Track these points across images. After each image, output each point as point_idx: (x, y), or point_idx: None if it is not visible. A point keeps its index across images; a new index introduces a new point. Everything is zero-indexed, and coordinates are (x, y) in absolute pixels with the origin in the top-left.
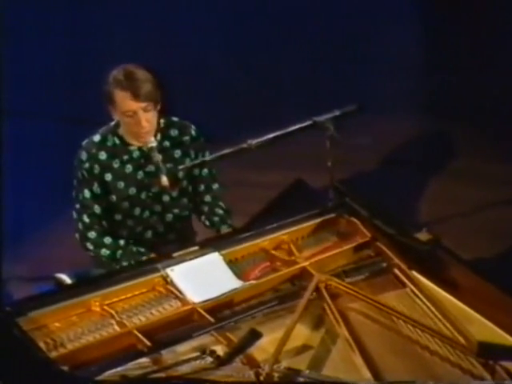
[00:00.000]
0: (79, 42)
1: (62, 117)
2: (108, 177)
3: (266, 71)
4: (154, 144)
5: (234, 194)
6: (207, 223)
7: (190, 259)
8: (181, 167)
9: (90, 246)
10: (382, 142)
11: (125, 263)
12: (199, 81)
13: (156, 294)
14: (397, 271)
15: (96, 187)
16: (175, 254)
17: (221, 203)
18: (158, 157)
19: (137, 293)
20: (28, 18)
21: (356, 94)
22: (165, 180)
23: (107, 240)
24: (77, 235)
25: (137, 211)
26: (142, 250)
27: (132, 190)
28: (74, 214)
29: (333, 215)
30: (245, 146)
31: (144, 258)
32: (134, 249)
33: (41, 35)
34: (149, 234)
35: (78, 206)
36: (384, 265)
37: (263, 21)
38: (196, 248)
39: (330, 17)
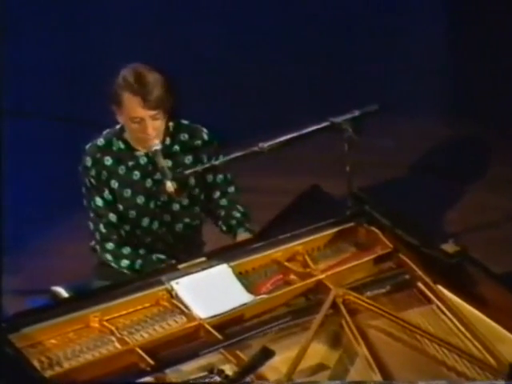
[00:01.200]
0: (80, 40)
1: (62, 117)
2: (114, 184)
3: (280, 70)
4: (158, 147)
5: (245, 201)
6: (224, 228)
7: (197, 271)
8: (188, 171)
9: (109, 257)
10: (405, 145)
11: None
12: (208, 81)
13: (160, 308)
14: (421, 285)
15: (107, 194)
16: (181, 266)
17: (238, 206)
18: (163, 161)
19: (139, 307)
20: (27, 18)
21: (377, 93)
22: (170, 186)
23: (126, 250)
24: (97, 246)
25: (145, 221)
26: (163, 257)
27: (140, 199)
28: (90, 225)
29: (351, 224)
30: (256, 149)
31: (162, 266)
32: (154, 257)
33: (40, 34)
34: (158, 245)
35: (92, 215)
36: (407, 278)
37: (277, 19)
38: (203, 259)
39: (349, 13)
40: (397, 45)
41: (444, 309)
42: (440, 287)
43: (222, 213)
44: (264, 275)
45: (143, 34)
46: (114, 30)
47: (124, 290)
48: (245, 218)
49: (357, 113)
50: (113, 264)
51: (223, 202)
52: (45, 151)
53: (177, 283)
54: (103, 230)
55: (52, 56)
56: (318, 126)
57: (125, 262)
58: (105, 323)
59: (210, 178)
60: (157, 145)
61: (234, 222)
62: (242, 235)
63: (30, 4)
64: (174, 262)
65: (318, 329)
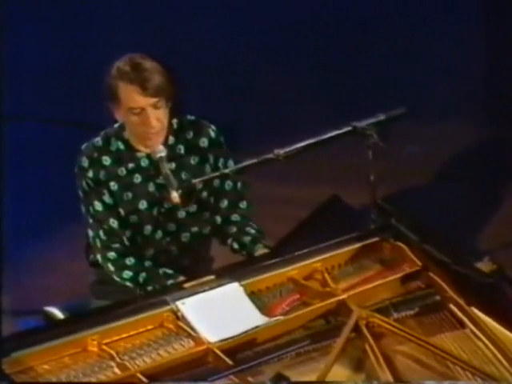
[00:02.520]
0: (80, 42)
1: (62, 120)
2: (114, 186)
3: (296, 70)
4: (163, 153)
5: (258, 213)
6: (235, 246)
7: (205, 291)
8: (195, 180)
9: (111, 267)
10: (434, 152)
11: (150, 287)
12: (218, 82)
13: (164, 331)
14: (453, 307)
15: (107, 197)
16: (187, 285)
17: (251, 223)
18: (167, 168)
19: (142, 330)
20: (26, 20)
21: (404, 97)
22: (175, 196)
23: (129, 261)
24: (98, 256)
25: (147, 229)
26: (170, 272)
27: (142, 204)
28: (89, 232)
29: (375, 239)
30: (271, 156)
31: (170, 283)
32: (161, 271)
33: (39, 37)
34: (161, 257)
35: (91, 221)
36: (437, 299)
37: (294, 16)
38: (212, 277)
39: (372, 12)
40: (423, 46)
41: (479, 333)
42: (474, 309)
43: (234, 229)
44: (279, 295)
45: (145, 35)
46: (114, 30)
47: (125, 310)
48: (260, 235)
49: (382, 117)
50: (114, 276)
51: (235, 217)
52: (42, 157)
53: (183, 303)
54: (103, 237)
55: (51, 58)
56: (340, 132)
57: (127, 274)
58: (104, 347)
59: (217, 182)
60: (162, 151)
61: (248, 238)
62: (261, 252)
63: (29, 5)
64: (182, 278)
65: (339, 354)
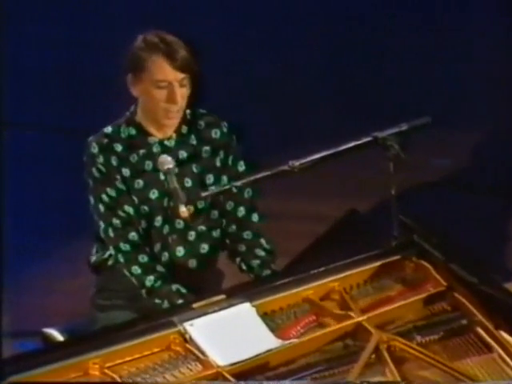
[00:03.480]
0: (80, 52)
1: (62, 128)
2: (126, 172)
3: (313, 75)
4: (170, 165)
5: (272, 229)
6: (243, 267)
7: (214, 311)
8: (204, 194)
9: (122, 258)
10: (462, 164)
11: (157, 301)
12: (227, 88)
13: (171, 354)
14: (480, 331)
15: (120, 182)
16: (195, 305)
17: (262, 241)
18: (176, 182)
19: (147, 353)
20: (26, 29)
21: (429, 104)
22: (184, 211)
23: (142, 258)
24: (110, 247)
25: (158, 221)
26: (183, 291)
27: (153, 193)
28: (101, 223)
29: (397, 257)
30: (286, 167)
31: (180, 302)
32: (174, 287)
33: (40, 43)
34: (165, 255)
35: (102, 209)
36: (464, 322)
37: (310, 23)
38: (222, 297)
39: (397, 14)
40: (452, 51)
41: (507, 358)
42: (503, 333)
43: (243, 248)
44: (293, 316)
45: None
46: (116, 35)
47: (129, 332)
48: (270, 257)
49: (404, 126)
50: (124, 269)
51: (246, 234)
52: (41, 169)
53: (191, 325)
54: (118, 226)
55: (51, 65)
56: (359, 142)
57: (136, 270)
58: (106, 371)
59: (224, 179)
60: (169, 162)
61: (256, 261)
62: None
63: (31, 16)
64: (192, 297)
65: (358, 379)
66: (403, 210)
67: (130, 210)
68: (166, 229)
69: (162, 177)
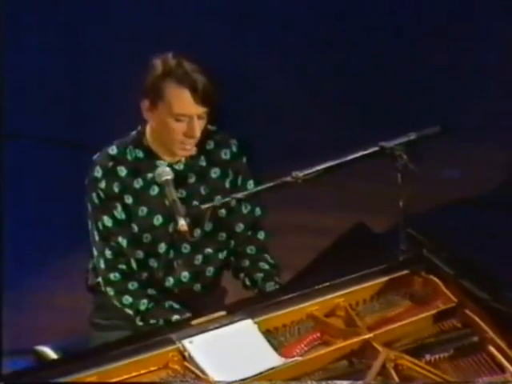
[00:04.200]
0: (84, 63)
1: (64, 142)
2: (128, 199)
3: (317, 82)
4: (169, 177)
5: (276, 243)
6: (247, 282)
7: (215, 328)
8: (204, 206)
9: (110, 291)
10: (473, 176)
11: (152, 321)
12: (230, 98)
13: (169, 372)
14: (492, 349)
15: (119, 211)
16: (195, 322)
17: (267, 255)
18: (175, 194)
19: (144, 371)
20: (28, 39)
21: (439, 113)
22: (183, 224)
23: (132, 285)
24: (99, 278)
25: (161, 248)
26: (176, 306)
27: (157, 219)
28: (94, 251)
29: (405, 272)
30: (289, 179)
31: (175, 318)
32: (167, 304)
33: (42, 55)
34: (170, 281)
35: (97, 237)
36: (475, 340)
37: (322, 30)
38: (222, 313)
39: (408, 20)
40: (464, 59)
41: None
42: None
43: (247, 263)
44: (297, 333)
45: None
46: (117, 45)
47: (126, 350)
48: (275, 270)
49: (413, 136)
50: (114, 300)
51: (250, 249)
52: (40, 181)
53: (190, 342)
54: (110, 257)
55: (55, 76)
56: (365, 152)
57: (127, 299)
58: None
59: (232, 202)
60: (168, 174)
61: (260, 275)
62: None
63: (32, 23)
64: (188, 315)
65: None
66: (411, 223)
67: (123, 241)
68: (171, 254)
69: (167, 202)
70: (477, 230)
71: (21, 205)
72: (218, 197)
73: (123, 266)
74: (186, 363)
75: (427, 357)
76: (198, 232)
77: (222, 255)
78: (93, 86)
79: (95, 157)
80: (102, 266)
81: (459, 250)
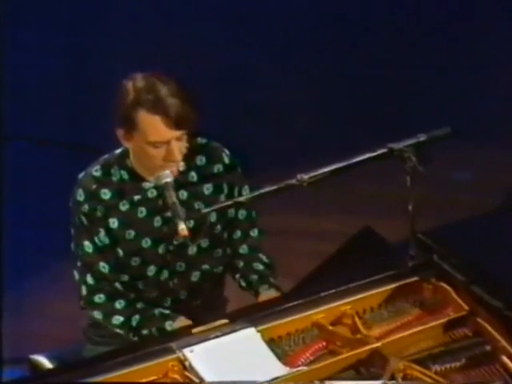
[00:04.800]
0: (84, 63)
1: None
2: (113, 223)
3: (322, 82)
4: (169, 179)
5: (278, 247)
6: (243, 283)
7: (217, 337)
8: (206, 210)
9: (98, 315)
10: (486, 179)
11: (144, 332)
12: (230, 98)
13: (169, 382)
14: (505, 359)
15: (102, 237)
16: (195, 330)
17: (260, 255)
18: (175, 197)
19: (143, 381)
20: (28, 39)
21: (450, 114)
22: (183, 228)
23: (119, 304)
24: (81, 302)
25: (151, 270)
26: (167, 312)
27: (146, 242)
28: (76, 275)
29: (415, 279)
30: (294, 182)
31: (168, 324)
32: (157, 312)
33: (42, 55)
34: (167, 301)
35: (78, 262)
36: (487, 349)
37: (327, 30)
38: (224, 321)
39: (415, 19)
40: (476, 57)
41: None
42: None
43: (241, 264)
44: (302, 342)
45: (150, 46)
46: (119, 48)
47: (124, 359)
48: (269, 271)
49: (423, 137)
50: (104, 323)
51: (243, 249)
52: (40, 184)
53: (191, 351)
54: (91, 282)
55: (53, 75)
56: (373, 154)
57: (118, 319)
58: None
59: (231, 212)
60: (167, 176)
61: (254, 276)
62: (266, 294)
63: (32, 25)
64: (182, 318)
65: None
66: (421, 228)
67: (105, 268)
68: (165, 274)
69: (156, 223)
70: (489, 234)
71: (20, 206)
72: (221, 198)
73: (107, 288)
74: (186, 373)
75: (437, 367)
76: (199, 237)
77: (218, 269)
78: (93, 87)
79: (79, 177)
80: (84, 291)
81: (470, 255)
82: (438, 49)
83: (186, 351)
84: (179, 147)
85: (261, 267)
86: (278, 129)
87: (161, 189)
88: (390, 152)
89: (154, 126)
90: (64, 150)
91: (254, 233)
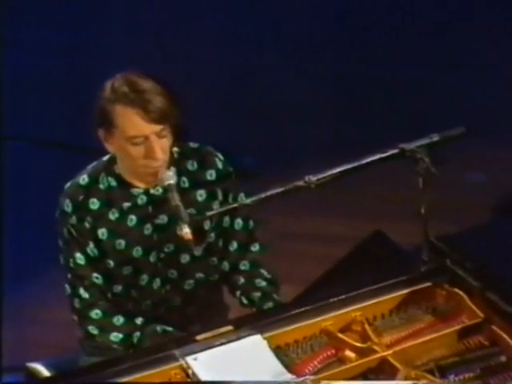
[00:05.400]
0: (84, 63)
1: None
2: (102, 233)
3: (329, 80)
4: (172, 181)
5: (285, 251)
6: (244, 301)
7: (221, 344)
8: (210, 213)
9: (93, 330)
10: (501, 180)
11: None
12: (230, 97)
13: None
14: None
15: (92, 248)
16: (199, 337)
17: (262, 271)
18: (178, 198)
19: None
20: (28, 39)
21: (464, 113)
22: (188, 232)
23: (118, 320)
24: (75, 317)
25: (143, 279)
26: (170, 329)
27: (137, 251)
28: (67, 288)
29: (427, 284)
30: (301, 183)
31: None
32: (158, 328)
33: (42, 55)
34: (161, 309)
35: (69, 275)
36: (503, 359)
37: (337, 28)
38: (229, 328)
39: (428, 18)
40: (489, 55)
41: None
42: None
43: (241, 280)
44: (310, 350)
45: (148, 44)
46: (119, 46)
47: (125, 367)
48: (272, 287)
49: (436, 137)
50: (99, 339)
51: (244, 265)
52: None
53: (194, 359)
54: (85, 295)
55: (53, 75)
56: (383, 155)
57: (117, 336)
58: None
59: (226, 221)
60: (170, 178)
61: (257, 294)
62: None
63: (32, 25)
64: (184, 335)
65: None
66: (433, 231)
67: (99, 279)
68: (157, 283)
69: (147, 231)
70: (504, 238)
71: (20, 206)
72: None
73: (102, 302)
74: (189, 381)
75: (451, 377)
76: (202, 241)
77: (213, 277)
78: (93, 87)
79: (66, 187)
80: (78, 305)
81: (485, 260)
82: (450, 47)
83: (189, 359)
84: (161, 145)
85: (263, 284)
86: (286, 129)
87: (151, 194)
88: (402, 153)
89: (130, 119)
90: (64, 150)
91: (255, 247)
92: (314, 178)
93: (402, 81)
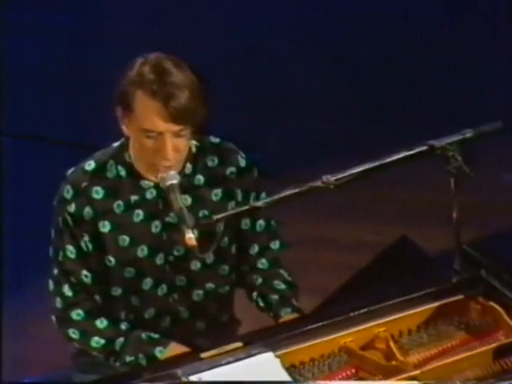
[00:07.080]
0: (84, 63)
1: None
2: (105, 226)
3: (353, 73)
4: (174, 181)
5: (305, 259)
6: (261, 303)
7: (228, 363)
8: (218, 216)
9: (73, 333)
10: None
11: (129, 358)
12: (249, 92)
13: None
14: None
15: (87, 241)
16: (205, 355)
17: (282, 271)
18: (181, 201)
19: None
20: (27, 39)
21: (498, 108)
22: (191, 237)
23: (101, 323)
24: (54, 318)
25: (147, 284)
26: (156, 336)
27: (142, 250)
28: (50, 284)
29: (460, 297)
30: (319, 184)
31: (159, 350)
32: (144, 336)
33: (42, 55)
34: (165, 321)
35: (55, 271)
36: None
37: (363, 26)
38: (238, 345)
39: (458, 13)
40: None
41: None
42: None
43: (259, 280)
44: (327, 369)
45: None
46: (120, 45)
47: None
48: (291, 291)
49: (470, 133)
50: (80, 344)
51: (262, 263)
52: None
53: (199, 379)
54: (68, 294)
55: (53, 74)
56: (410, 153)
57: (98, 342)
58: None
59: (246, 223)
60: (173, 177)
61: (275, 297)
62: (287, 318)
63: (32, 25)
64: (173, 344)
65: None
66: (467, 238)
67: (88, 277)
68: (163, 289)
69: (155, 229)
70: None
71: (20, 206)
72: (232, 204)
73: (87, 302)
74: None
75: None
76: (210, 247)
77: (223, 289)
78: (93, 85)
79: (69, 172)
80: (59, 304)
81: None
82: (494, 41)
83: (194, 379)
84: (175, 145)
85: (282, 286)
86: (304, 126)
87: (162, 188)
88: (431, 150)
89: (148, 111)
90: (64, 148)
91: (275, 245)
92: (332, 178)
93: (427, 70)
